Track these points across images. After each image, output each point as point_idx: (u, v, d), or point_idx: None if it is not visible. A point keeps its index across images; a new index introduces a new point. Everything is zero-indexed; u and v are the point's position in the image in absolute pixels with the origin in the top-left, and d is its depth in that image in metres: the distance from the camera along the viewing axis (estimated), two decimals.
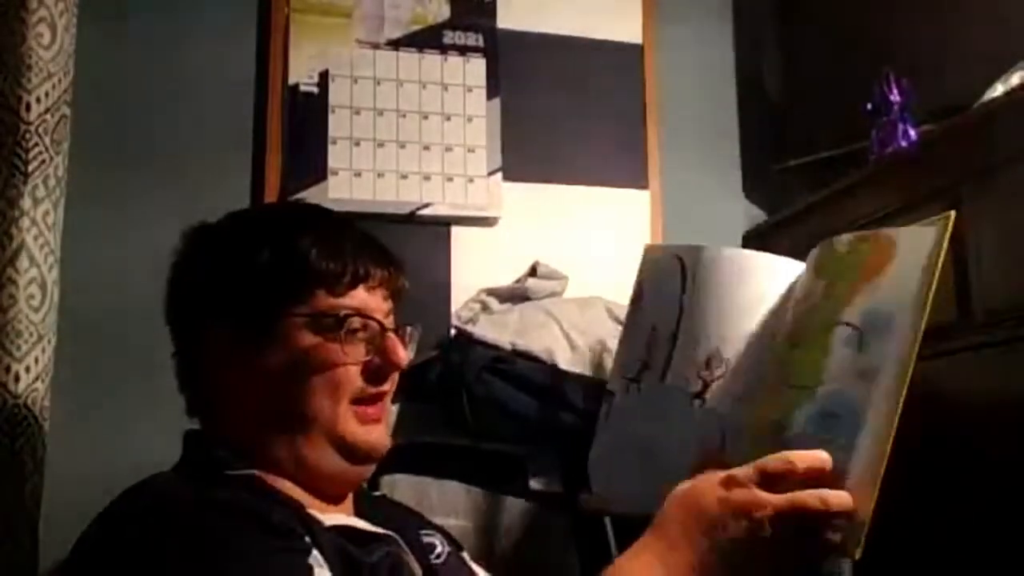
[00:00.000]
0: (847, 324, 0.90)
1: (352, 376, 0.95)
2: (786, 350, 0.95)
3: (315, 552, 0.83)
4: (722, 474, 0.85)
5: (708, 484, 0.86)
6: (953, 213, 0.89)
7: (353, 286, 0.96)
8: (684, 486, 0.87)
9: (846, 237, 0.96)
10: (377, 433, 0.97)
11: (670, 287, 1.01)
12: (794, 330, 0.96)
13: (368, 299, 0.97)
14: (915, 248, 0.90)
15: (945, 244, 0.87)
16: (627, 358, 1.05)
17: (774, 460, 0.85)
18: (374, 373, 0.97)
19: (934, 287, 0.86)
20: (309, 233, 0.96)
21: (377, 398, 0.98)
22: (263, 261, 0.95)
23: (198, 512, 0.82)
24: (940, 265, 0.87)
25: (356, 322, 0.95)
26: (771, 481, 0.84)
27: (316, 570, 0.81)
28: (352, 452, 0.95)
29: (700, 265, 1.00)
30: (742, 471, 0.85)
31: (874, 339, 0.88)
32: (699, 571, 0.83)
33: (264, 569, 0.79)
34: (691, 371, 0.98)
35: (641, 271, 1.08)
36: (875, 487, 0.83)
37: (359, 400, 0.96)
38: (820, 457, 0.85)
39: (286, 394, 0.93)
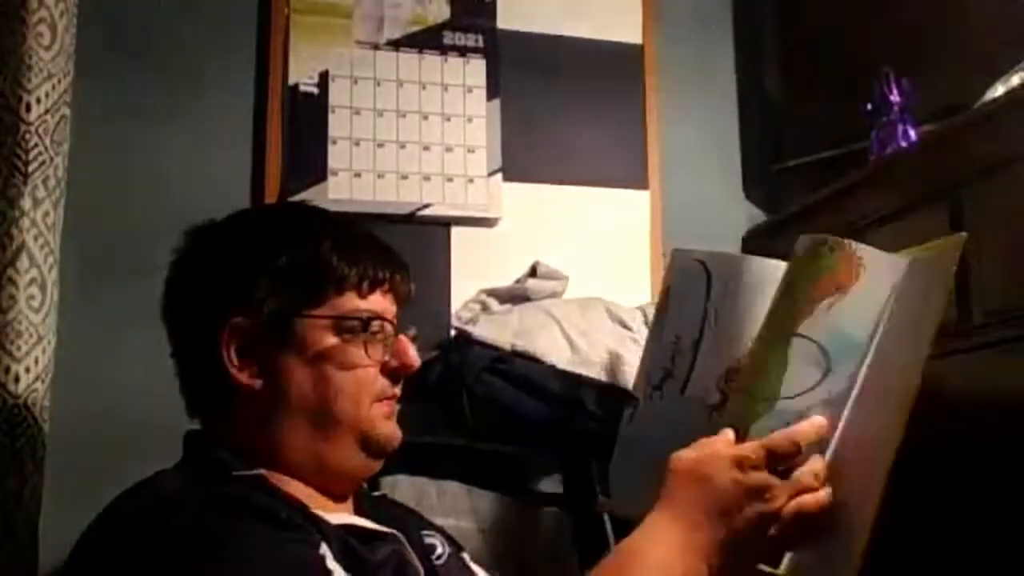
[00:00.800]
0: (807, 338, 0.89)
1: (373, 377, 0.98)
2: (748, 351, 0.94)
3: (324, 546, 0.83)
4: (731, 452, 0.85)
5: (718, 462, 0.84)
6: (963, 236, 0.88)
7: (372, 290, 0.98)
8: (686, 461, 0.86)
9: (810, 239, 0.94)
10: (393, 426, 1.00)
11: (694, 294, 1.00)
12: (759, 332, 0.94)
13: (383, 302, 1.00)
14: (884, 274, 0.89)
15: (948, 270, 0.86)
16: (651, 364, 1.04)
17: (782, 442, 0.84)
18: (391, 374, 0.99)
19: (940, 316, 0.85)
20: (327, 237, 0.98)
21: (393, 396, 1.01)
22: (283, 264, 0.96)
23: (206, 508, 0.82)
24: (944, 296, 0.86)
25: (376, 325, 0.97)
26: (775, 461, 0.84)
27: (328, 561, 0.81)
28: (372, 446, 0.97)
29: (726, 273, 0.99)
30: (752, 450, 0.84)
31: (839, 364, 0.88)
32: (716, 553, 0.82)
33: (278, 560, 0.79)
34: (711, 382, 0.97)
35: (667, 276, 1.07)
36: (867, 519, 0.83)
37: (380, 399, 0.98)
38: (819, 424, 0.86)
39: (309, 393, 0.95)
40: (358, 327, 0.96)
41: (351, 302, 0.96)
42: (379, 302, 0.99)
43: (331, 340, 0.95)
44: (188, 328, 1.00)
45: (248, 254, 0.98)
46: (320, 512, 0.89)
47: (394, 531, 0.96)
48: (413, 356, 1.00)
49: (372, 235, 1.03)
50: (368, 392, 0.97)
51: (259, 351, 0.95)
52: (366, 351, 0.96)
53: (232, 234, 1.01)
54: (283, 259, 0.96)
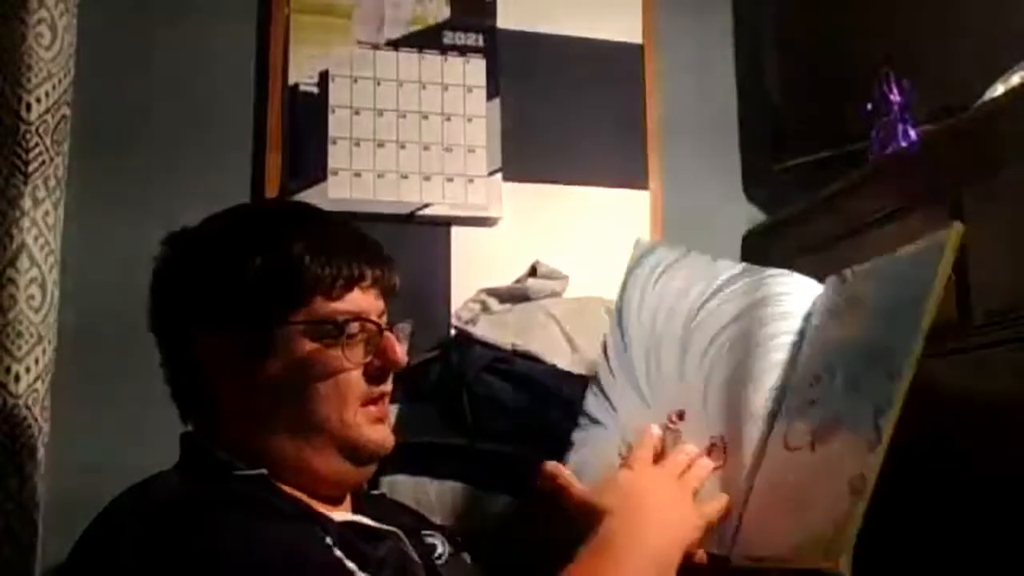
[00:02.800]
0: None
1: (355, 380, 0.95)
2: None
3: (328, 539, 0.83)
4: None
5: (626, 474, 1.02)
6: (956, 230, 0.90)
7: (348, 289, 0.96)
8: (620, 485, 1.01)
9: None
10: (383, 431, 0.98)
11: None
12: None
13: (362, 300, 0.97)
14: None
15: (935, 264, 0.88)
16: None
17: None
18: (375, 374, 0.97)
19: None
20: (301, 238, 0.95)
21: (380, 397, 0.98)
22: (256, 269, 0.94)
23: (208, 506, 0.82)
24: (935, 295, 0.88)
25: (354, 326, 0.95)
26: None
27: (335, 551, 0.81)
28: (359, 453, 0.96)
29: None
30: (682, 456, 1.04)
31: None
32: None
33: (284, 551, 0.79)
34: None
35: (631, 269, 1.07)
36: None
37: (365, 403, 0.96)
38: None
39: (290, 402, 0.93)
40: (334, 331, 0.93)
41: (326, 305, 0.94)
42: (358, 300, 0.96)
43: (309, 346, 0.93)
44: (169, 339, 0.99)
45: (223, 263, 0.96)
46: (321, 510, 0.90)
47: (394, 529, 0.96)
48: (399, 353, 0.98)
49: (350, 231, 1.01)
50: (351, 397, 0.94)
51: (238, 361, 0.94)
52: (344, 354, 0.93)
53: (206, 242, 0.99)
54: (256, 265, 0.94)
